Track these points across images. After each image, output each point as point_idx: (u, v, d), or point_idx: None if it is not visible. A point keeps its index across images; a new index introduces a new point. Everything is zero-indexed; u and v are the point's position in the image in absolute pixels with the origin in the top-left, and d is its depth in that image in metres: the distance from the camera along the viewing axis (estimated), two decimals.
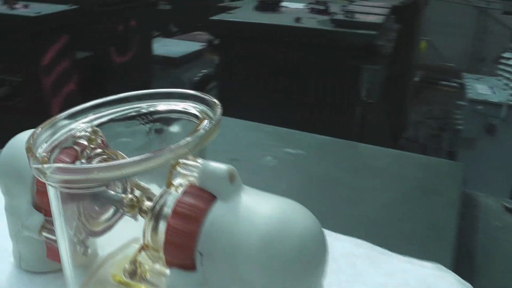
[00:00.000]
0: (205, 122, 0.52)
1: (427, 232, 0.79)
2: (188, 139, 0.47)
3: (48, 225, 0.58)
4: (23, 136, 0.55)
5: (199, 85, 3.63)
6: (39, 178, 0.44)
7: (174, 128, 0.61)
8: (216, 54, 2.96)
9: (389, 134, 3.38)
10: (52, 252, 0.59)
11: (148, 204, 0.52)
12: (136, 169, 0.44)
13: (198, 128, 0.50)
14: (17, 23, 2.46)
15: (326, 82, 2.43)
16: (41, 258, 0.63)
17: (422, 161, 1.04)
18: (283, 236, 0.42)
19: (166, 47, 3.95)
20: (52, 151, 0.52)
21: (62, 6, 2.61)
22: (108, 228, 0.57)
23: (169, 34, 4.72)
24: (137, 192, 0.54)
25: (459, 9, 5.93)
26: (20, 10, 2.52)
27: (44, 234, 0.59)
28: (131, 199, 0.53)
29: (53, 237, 0.57)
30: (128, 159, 0.43)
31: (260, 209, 0.44)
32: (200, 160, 0.48)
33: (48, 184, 0.46)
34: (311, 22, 2.49)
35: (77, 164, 0.53)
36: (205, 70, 3.65)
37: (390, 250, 0.71)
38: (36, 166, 0.44)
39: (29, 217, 0.59)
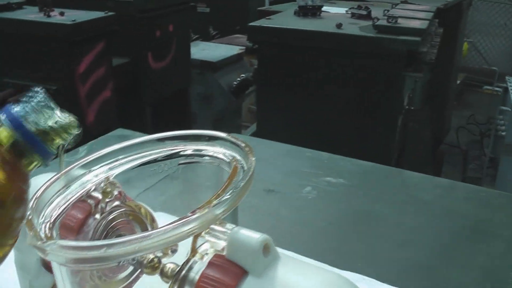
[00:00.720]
0: (238, 177, 0.45)
1: (481, 282, 0.72)
2: (217, 203, 0.40)
3: None
4: (34, 184, 0.48)
5: (238, 90, 3.57)
6: (41, 255, 0.38)
7: (202, 174, 0.54)
8: (255, 58, 2.90)
9: (430, 140, 3.29)
10: None
11: (171, 267, 0.45)
12: (153, 244, 0.37)
13: (229, 186, 0.43)
14: (53, 31, 2.42)
15: (367, 89, 2.36)
16: None
17: (474, 193, 0.95)
18: None
19: (204, 51, 3.90)
20: (63, 209, 0.46)
21: (99, 13, 2.58)
22: (128, 286, 0.51)
23: (207, 38, 4.67)
24: None
25: (503, 9, 5.79)
26: (56, 18, 2.49)
27: None
28: (152, 259, 0.46)
29: None
30: (142, 234, 0.37)
31: (299, 287, 0.37)
32: (229, 225, 0.42)
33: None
34: (353, 28, 2.42)
35: (91, 221, 0.47)
36: (243, 75, 3.59)
37: None
38: (34, 243, 0.38)
39: (37, 277, 0.53)
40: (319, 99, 2.47)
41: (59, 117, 0.42)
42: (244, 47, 3.70)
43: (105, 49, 2.59)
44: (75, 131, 0.44)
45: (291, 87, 2.54)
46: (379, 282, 0.68)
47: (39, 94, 0.42)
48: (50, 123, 0.42)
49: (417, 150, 2.91)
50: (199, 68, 3.61)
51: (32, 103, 0.42)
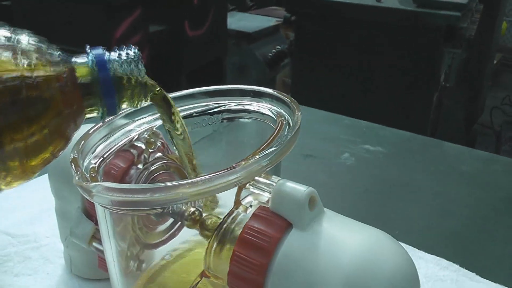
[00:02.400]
0: (283, 131, 0.44)
1: None
2: (263, 154, 0.39)
3: (99, 235, 0.52)
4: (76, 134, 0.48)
5: (273, 62, 3.56)
6: (85, 197, 0.38)
7: (245, 131, 0.53)
8: (291, 30, 2.89)
9: (464, 119, 3.26)
10: (104, 263, 0.53)
11: (212, 219, 0.45)
12: (198, 191, 0.36)
13: (275, 138, 0.42)
14: None
15: (404, 63, 2.34)
16: (92, 266, 0.57)
17: None
18: (371, 279, 0.35)
19: (241, 21, 3.87)
20: (106, 156, 0.45)
21: None
22: (167, 239, 0.51)
23: (244, 8, 4.64)
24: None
25: None
26: None
27: (95, 245, 0.53)
28: (193, 212, 0.46)
29: None
30: (188, 180, 0.36)
31: (344, 242, 0.37)
32: (274, 178, 0.41)
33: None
34: (393, 1, 2.39)
35: (133, 171, 0.47)
36: (279, 47, 3.57)
37: (480, 275, 0.63)
38: (80, 183, 0.37)
39: (78, 225, 0.53)
40: (356, 72, 2.46)
41: (143, 82, 0.42)
42: (281, 19, 3.68)
43: (142, 16, 2.58)
44: (148, 100, 0.43)
45: (327, 59, 2.52)
46: (416, 249, 0.68)
47: (135, 53, 0.41)
48: (133, 83, 0.41)
49: (450, 129, 2.88)
50: (235, 39, 3.60)
51: (126, 57, 0.41)
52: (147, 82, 0.42)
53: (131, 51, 0.41)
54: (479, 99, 3.60)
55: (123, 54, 0.41)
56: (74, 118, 0.39)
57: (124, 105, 0.42)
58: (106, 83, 0.40)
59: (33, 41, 0.38)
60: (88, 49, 0.40)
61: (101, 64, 0.40)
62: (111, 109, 0.41)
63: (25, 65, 0.36)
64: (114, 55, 0.41)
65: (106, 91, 0.40)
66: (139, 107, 0.43)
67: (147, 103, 0.44)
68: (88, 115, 0.41)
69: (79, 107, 0.39)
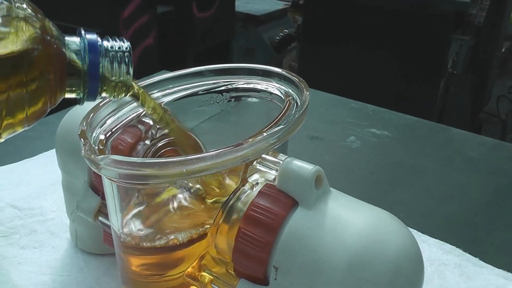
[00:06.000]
0: (291, 111, 0.44)
1: None
2: (271, 131, 0.39)
3: (105, 209, 0.52)
4: (82, 109, 0.48)
5: (280, 45, 3.55)
6: (93, 170, 0.38)
7: (253, 110, 0.54)
8: (299, 14, 2.88)
9: (470, 107, 3.25)
10: (109, 238, 0.53)
11: (218, 197, 0.45)
12: (204, 167, 0.37)
13: (283, 117, 0.42)
14: None
15: (412, 49, 2.33)
16: (98, 240, 0.58)
17: None
18: (376, 258, 0.35)
19: (249, 4, 3.86)
20: (114, 131, 0.46)
21: None
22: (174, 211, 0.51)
23: None
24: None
25: None
26: None
27: (101, 219, 0.53)
28: (199, 189, 0.46)
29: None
30: (195, 155, 0.36)
31: (350, 221, 0.37)
32: (281, 156, 0.41)
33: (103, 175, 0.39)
34: None
35: (140, 146, 0.47)
36: (286, 30, 3.56)
37: (483, 260, 0.63)
38: (88, 156, 0.37)
39: (84, 199, 0.53)
40: (363, 57, 2.45)
41: (127, 80, 0.41)
42: (289, 3, 3.68)
43: None
44: (127, 95, 0.43)
45: (334, 44, 2.52)
46: (419, 233, 0.68)
47: (127, 48, 0.41)
48: (120, 77, 0.41)
49: (456, 116, 2.88)
50: (243, 21, 3.59)
51: (118, 49, 0.41)
52: (129, 79, 0.42)
53: (125, 45, 0.41)
54: (486, 87, 3.59)
55: (116, 45, 0.41)
56: (54, 88, 0.39)
57: (104, 94, 0.42)
58: (93, 68, 0.40)
59: (31, 11, 0.38)
60: (82, 31, 0.40)
61: (93, 49, 0.40)
62: (91, 94, 0.41)
63: (22, 28, 0.36)
64: (107, 43, 0.41)
65: (91, 76, 0.40)
66: (117, 99, 0.43)
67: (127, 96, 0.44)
68: (68, 94, 0.41)
69: (62, 80, 0.39)
